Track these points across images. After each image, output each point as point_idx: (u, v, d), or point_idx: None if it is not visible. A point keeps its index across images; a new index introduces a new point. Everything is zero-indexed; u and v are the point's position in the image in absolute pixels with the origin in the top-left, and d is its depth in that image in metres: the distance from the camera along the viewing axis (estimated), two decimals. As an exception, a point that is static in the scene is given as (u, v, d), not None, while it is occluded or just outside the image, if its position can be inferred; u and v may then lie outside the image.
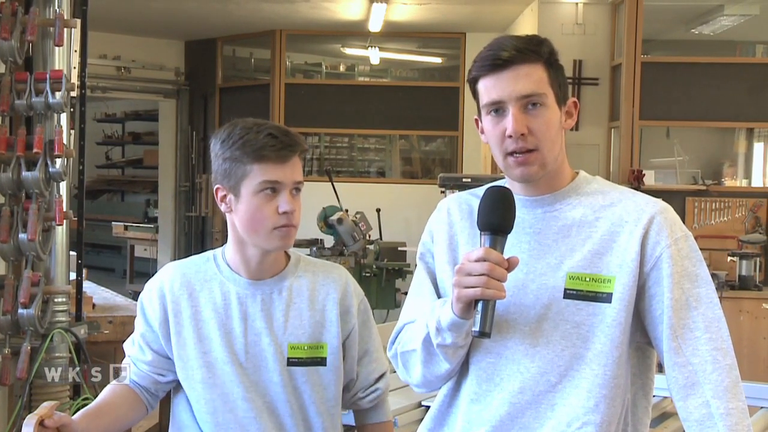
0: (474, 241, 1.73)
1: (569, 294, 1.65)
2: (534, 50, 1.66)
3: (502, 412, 1.68)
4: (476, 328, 1.58)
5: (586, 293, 1.65)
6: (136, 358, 2.04)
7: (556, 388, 1.65)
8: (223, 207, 1.97)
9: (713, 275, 6.23)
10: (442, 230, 1.81)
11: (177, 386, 2.05)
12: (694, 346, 1.61)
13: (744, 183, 7.83)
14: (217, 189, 1.97)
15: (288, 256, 2.07)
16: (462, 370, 1.75)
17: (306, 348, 1.99)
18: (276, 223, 1.91)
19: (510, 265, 1.59)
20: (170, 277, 2.04)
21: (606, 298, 1.64)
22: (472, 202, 1.79)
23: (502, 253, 1.60)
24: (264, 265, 2.00)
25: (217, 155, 1.94)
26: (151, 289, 2.05)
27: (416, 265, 1.86)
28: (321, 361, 2.00)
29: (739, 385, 1.61)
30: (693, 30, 8.16)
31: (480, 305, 1.58)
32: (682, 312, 1.63)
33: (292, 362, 1.98)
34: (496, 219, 1.62)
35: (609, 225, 1.67)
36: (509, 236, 1.64)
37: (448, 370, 1.72)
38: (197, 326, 1.99)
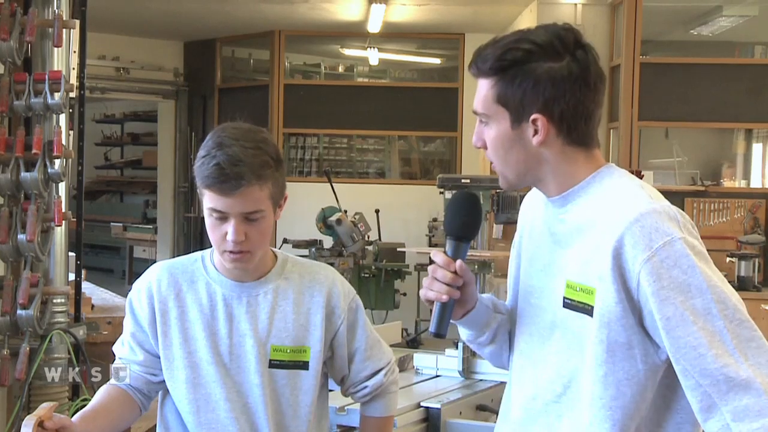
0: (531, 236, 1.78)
1: (566, 303, 1.61)
2: (479, 66, 1.63)
3: (519, 417, 1.69)
4: (430, 329, 1.67)
5: (576, 303, 1.58)
6: (128, 359, 2.05)
7: (561, 399, 1.61)
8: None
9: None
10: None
11: (165, 388, 2.06)
12: (701, 366, 1.45)
13: (743, 184, 7.83)
14: None
15: (275, 257, 2.06)
16: (511, 355, 1.80)
17: (289, 351, 1.99)
18: (223, 248, 1.91)
19: (457, 269, 1.64)
20: (158, 276, 2.04)
21: (589, 310, 1.56)
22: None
23: (464, 258, 1.66)
24: (245, 269, 1.99)
25: None
26: (139, 289, 2.05)
27: None
28: (303, 365, 2.01)
29: (763, 397, 1.42)
30: (692, 31, 8.16)
31: (435, 306, 1.66)
32: (679, 330, 1.47)
33: (273, 364, 1.99)
34: (456, 226, 1.69)
35: (597, 233, 1.56)
36: (537, 236, 1.71)
37: (490, 357, 1.86)
38: (183, 326, 2.00)
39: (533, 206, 1.78)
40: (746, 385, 1.43)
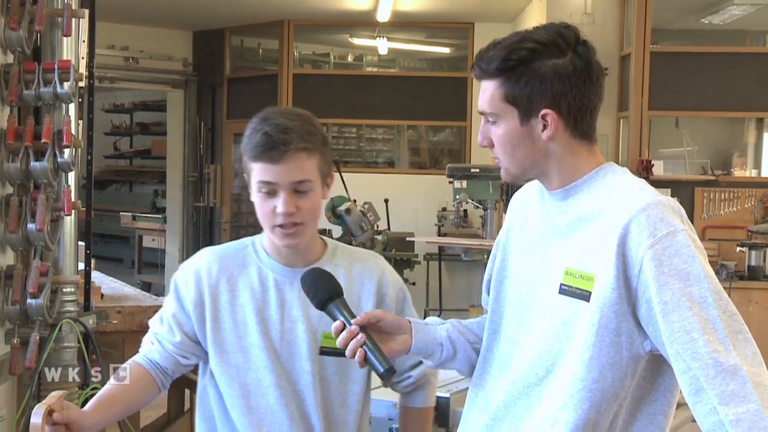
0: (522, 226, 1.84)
1: (563, 289, 1.66)
2: (483, 68, 1.68)
3: (499, 400, 1.74)
4: (379, 373, 1.73)
5: (574, 290, 1.64)
6: (164, 338, 2.02)
7: (543, 382, 1.67)
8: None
9: (722, 266, 6.24)
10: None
11: (205, 374, 2.03)
12: (693, 350, 1.51)
13: (753, 173, 7.80)
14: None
15: (325, 244, 2.06)
16: (492, 342, 1.82)
17: None
18: (273, 223, 1.89)
19: (336, 329, 1.76)
20: (208, 260, 2.02)
21: (586, 296, 1.62)
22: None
23: (344, 315, 1.77)
24: (295, 253, 1.98)
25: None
26: (187, 270, 2.03)
27: None
28: None
29: (748, 384, 1.48)
30: (703, 19, 8.12)
31: (365, 354, 1.74)
32: (674, 314, 1.53)
33: (324, 351, 1.97)
34: (314, 299, 1.81)
35: (603, 222, 1.62)
36: (530, 230, 1.78)
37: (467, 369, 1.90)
38: (234, 311, 1.98)
39: (525, 202, 1.85)
40: (733, 371, 1.49)
